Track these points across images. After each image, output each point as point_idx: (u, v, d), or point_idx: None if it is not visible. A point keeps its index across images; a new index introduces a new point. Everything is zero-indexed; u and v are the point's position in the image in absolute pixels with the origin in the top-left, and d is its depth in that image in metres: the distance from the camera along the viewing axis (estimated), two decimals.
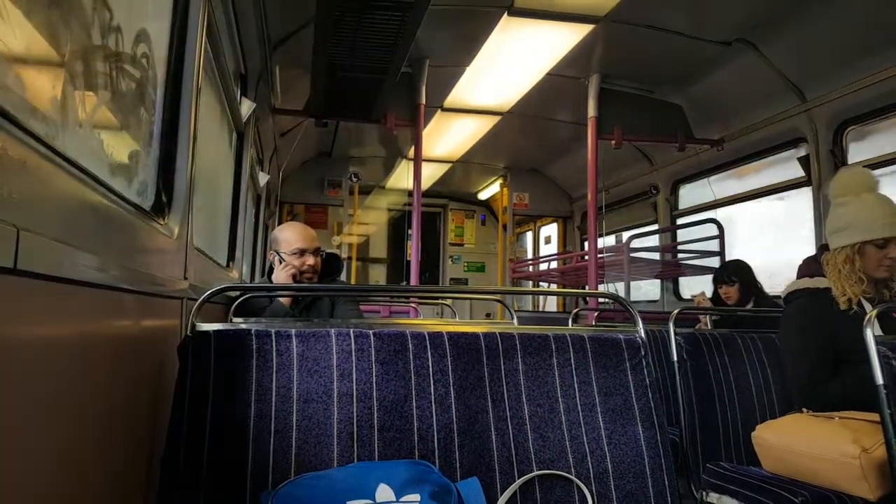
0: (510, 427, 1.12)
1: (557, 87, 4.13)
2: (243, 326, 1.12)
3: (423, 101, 3.83)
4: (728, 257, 4.00)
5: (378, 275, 7.47)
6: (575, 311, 3.99)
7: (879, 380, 1.38)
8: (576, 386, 1.17)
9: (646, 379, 1.20)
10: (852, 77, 3.00)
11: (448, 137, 5.19)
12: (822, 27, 2.92)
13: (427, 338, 1.15)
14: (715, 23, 3.18)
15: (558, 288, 5.92)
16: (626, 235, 5.30)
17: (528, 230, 7.41)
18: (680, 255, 4.65)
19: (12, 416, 0.55)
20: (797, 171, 3.52)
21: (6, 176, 0.53)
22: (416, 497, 0.91)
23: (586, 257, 4.44)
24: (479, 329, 1.20)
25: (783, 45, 3.15)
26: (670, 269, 4.64)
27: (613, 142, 4.03)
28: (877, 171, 2.41)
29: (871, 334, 1.39)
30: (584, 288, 4.68)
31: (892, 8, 2.64)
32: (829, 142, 3.20)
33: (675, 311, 2.05)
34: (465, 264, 7.27)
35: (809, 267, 1.92)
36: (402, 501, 0.90)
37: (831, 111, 3.18)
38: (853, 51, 2.92)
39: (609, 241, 5.53)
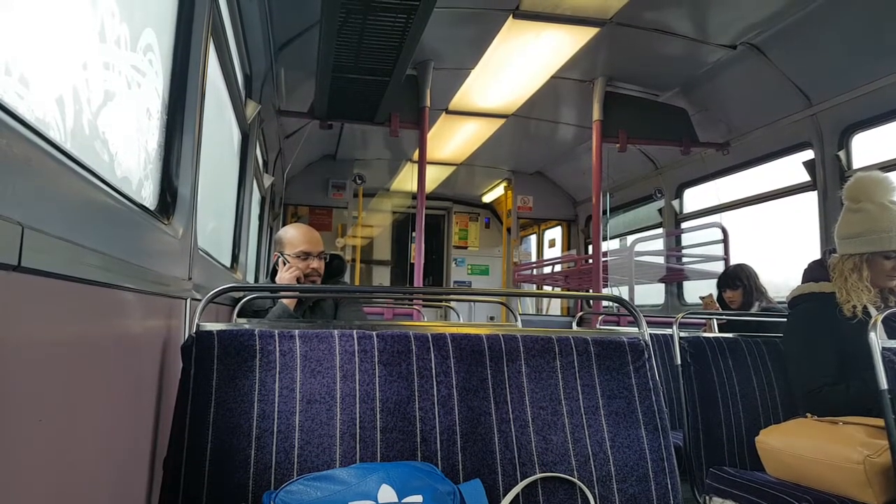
0: (513, 429, 1.11)
1: (562, 90, 4.13)
2: (247, 327, 1.13)
3: (428, 103, 3.83)
4: (732, 262, 3.98)
5: (382, 277, 7.47)
6: (579, 314, 3.99)
7: (883, 384, 1.37)
8: (579, 388, 1.16)
9: (649, 382, 1.19)
10: (859, 81, 2.99)
11: (452, 140, 5.20)
12: (829, 31, 2.91)
13: (430, 339, 1.15)
14: (720, 26, 3.18)
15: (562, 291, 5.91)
16: (630, 239, 5.30)
17: (532, 233, 7.41)
18: (684, 259, 4.64)
19: (14, 415, 0.55)
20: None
21: (11, 173, 0.53)
22: (418, 499, 0.91)
23: (590, 261, 4.43)
24: (482, 331, 1.20)
25: (789, 49, 3.15)
26: (675, 274, 4.62)
27: (618, 145, 4.02)
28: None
29: (875, 339, 1.39)
30: (588, 292, 4.68)
31: None
32: (834, 146, 3.19)
33: (680, 315, 2.05)
34: (469, 267, 7.27)
35: (814, 271, 1.90)
36: (404, 503, 0.90)
37: (837, 116, 3.17)
38: (860, 55, 2.91)
39: (613, 244, 5.52)
